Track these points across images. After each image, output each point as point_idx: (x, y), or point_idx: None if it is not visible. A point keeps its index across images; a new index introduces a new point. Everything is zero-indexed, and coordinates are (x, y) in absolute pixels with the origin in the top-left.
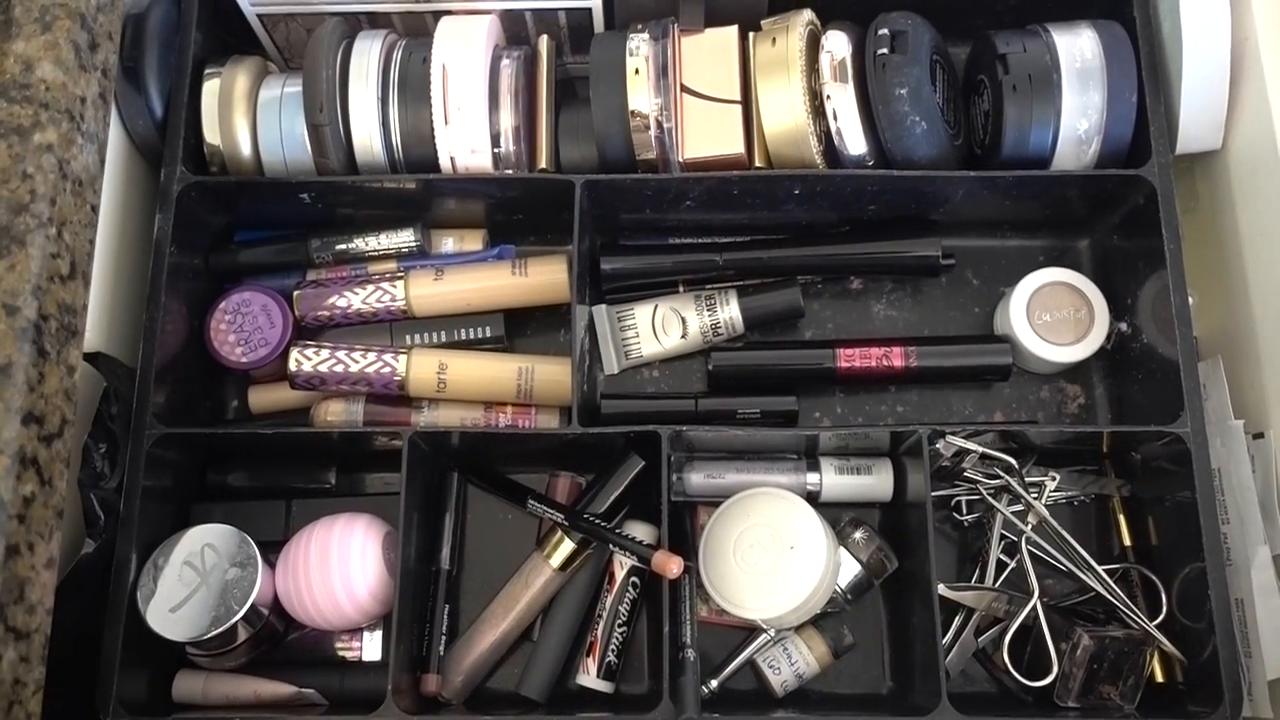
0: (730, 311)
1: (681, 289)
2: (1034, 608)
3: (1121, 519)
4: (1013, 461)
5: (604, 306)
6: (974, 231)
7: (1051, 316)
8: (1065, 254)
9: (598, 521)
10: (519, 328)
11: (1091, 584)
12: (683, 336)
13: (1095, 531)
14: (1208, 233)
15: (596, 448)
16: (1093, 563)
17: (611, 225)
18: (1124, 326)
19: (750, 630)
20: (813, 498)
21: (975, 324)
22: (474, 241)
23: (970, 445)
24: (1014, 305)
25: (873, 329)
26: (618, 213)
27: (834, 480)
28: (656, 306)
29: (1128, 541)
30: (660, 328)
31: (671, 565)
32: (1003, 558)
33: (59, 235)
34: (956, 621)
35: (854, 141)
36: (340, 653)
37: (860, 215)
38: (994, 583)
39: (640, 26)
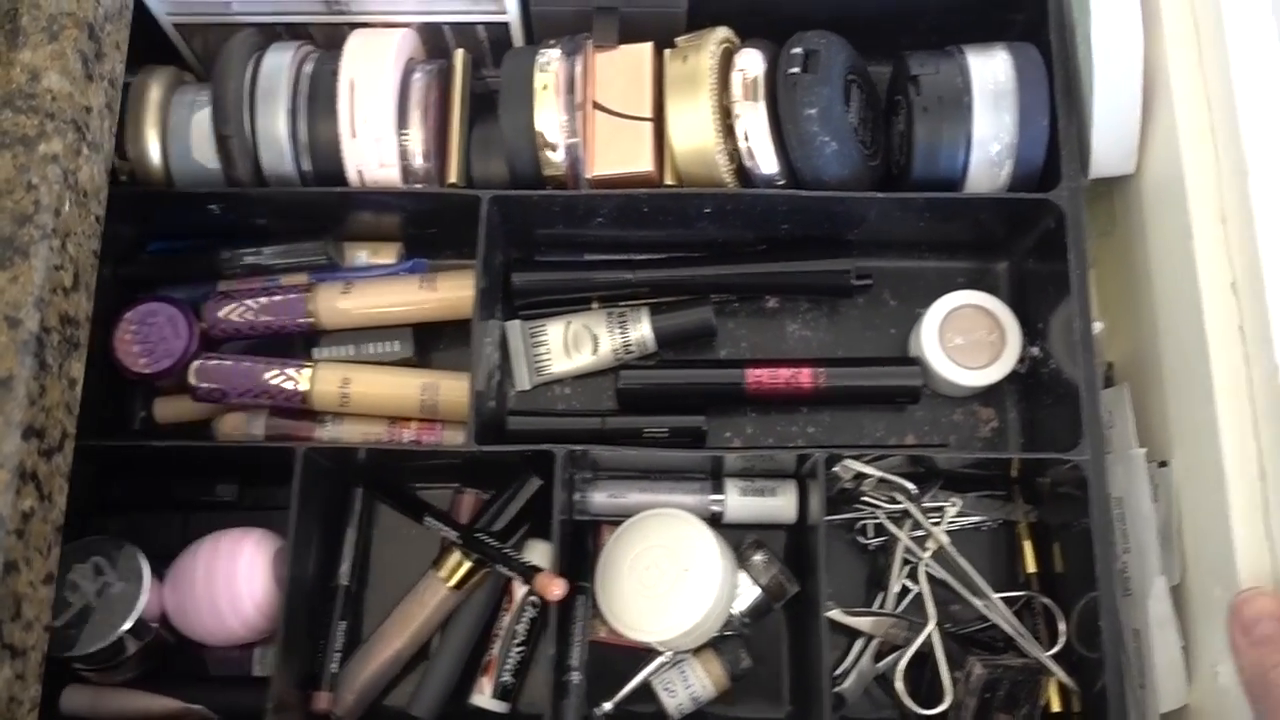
0: (642, 330)
1: (595, 306)
2: (929, 635)
3: (1027, 545)
4: (910, 487)
5: (517, 322)
6: (893, 252)
7: (964, 339)
8: (985, 276)
9: (488, 540)
10: (431, 342)
11: (985, 612)
12: (594, 354)
13: (1004, 557)
14: (1122, 258)
15: (500, 465)
16: (986, 590)
17: (528, 240)
18: (1036, 351)
19: (648, 652)
20: (717, 519)
21: (891, 345)
22: (389, 255)
23: (868, 469)
24: (925, 328)
25: (787, 349)
26: (533, 228)
27: (738, 501)
28: (569, 323)
29: (1032, 568)
30: (572, 345)
31: (553, 587)
32: (909, 583)
33: (63, 247)
34: (857, 647)
35: (765, 161)
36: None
37: (776, 234)
38: (896, 608)
39: (553, 42)
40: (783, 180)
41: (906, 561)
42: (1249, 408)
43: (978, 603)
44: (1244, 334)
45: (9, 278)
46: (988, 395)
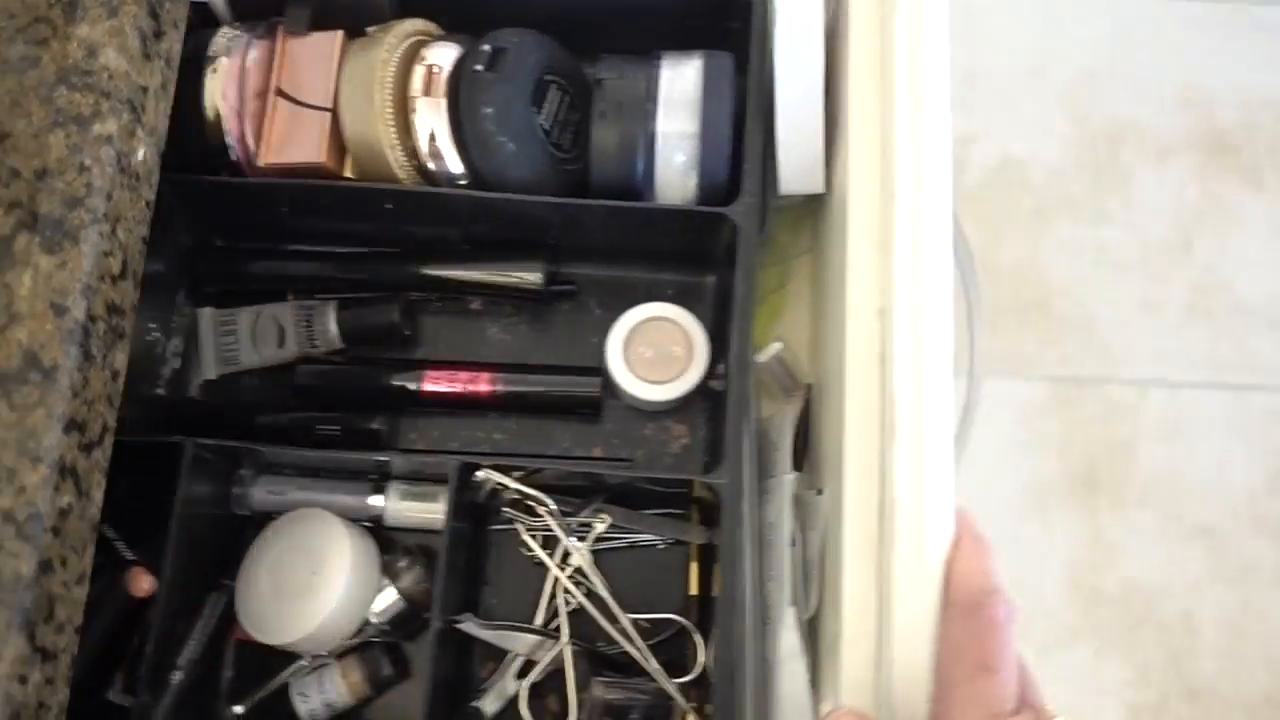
0: (328, 324)
1: (291, 298)
2: (559, 653)
3: (693, 567)
4: (549, 502)
5: (208, 310)
6: (604, 260)
7: (653, 352)
8: (694, 289)
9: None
10: None
11: (613, 633)
12: (280, 346)
13: (680, 579)
14: (817, 278)
15: (156, 454)
16: (617, 611)
17: (233, 226)
18: (723, 369)
19: (295, 655)
20: (377, 521)
21: (591, 354)
22: None
23: (505, 481)
24: (611, 338)
25: (486, 352)
26: (230, 214)
27: (398, 505)
28: (259, 314)
29: (694, 591)
30: (259, 336)
31: (140, 583)
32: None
33: (113, 232)
34: (506, 661)
35: (449, 158)
36: None
37: (475, 235)
38: (544, 624)
39: (239, 25)
40: (467, 180)
41: (574, 578)
42: (877, 439)
43: (604, 623)
44: (883, 363)
45: (57, 263)
46: (681, 411)
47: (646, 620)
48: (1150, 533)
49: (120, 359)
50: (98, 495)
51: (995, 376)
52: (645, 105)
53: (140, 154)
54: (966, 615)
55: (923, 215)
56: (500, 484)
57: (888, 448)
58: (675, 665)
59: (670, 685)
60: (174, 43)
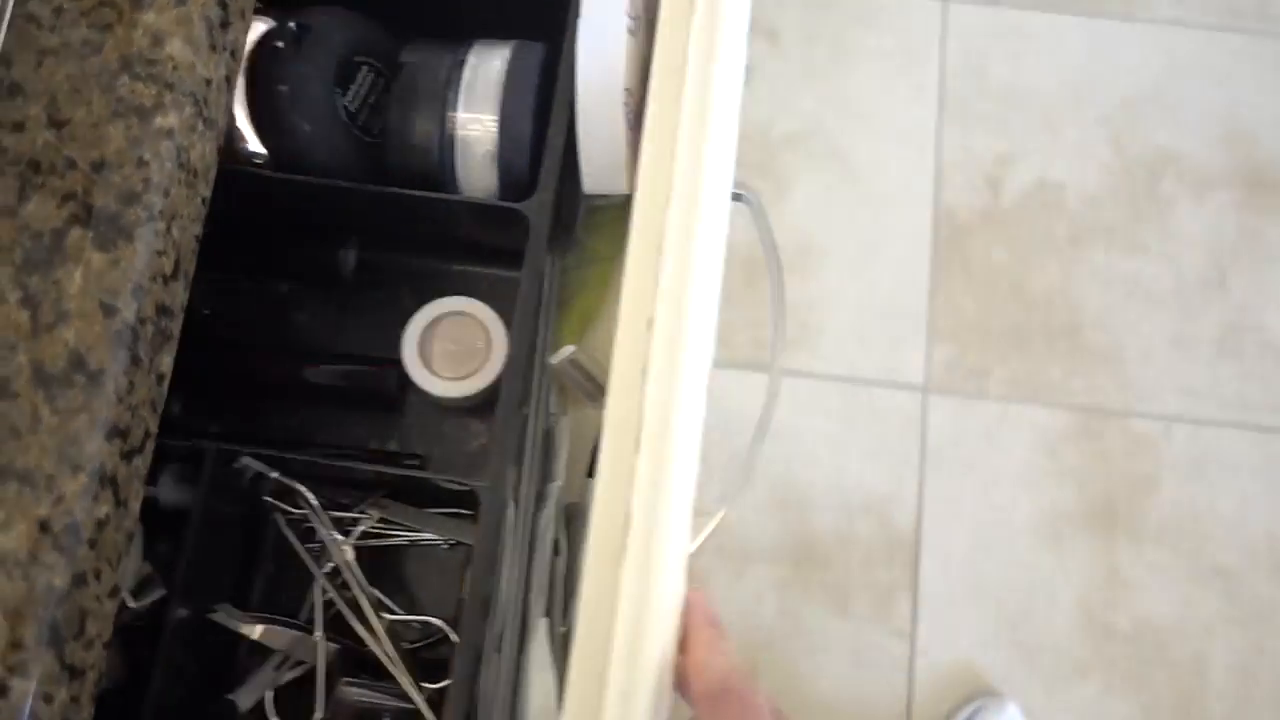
0: None
1: None
2: (313, 651)
3: (469, 571)
4: (309, 495)
5: None
6: (419, 250)
7: (456, 347)
8: (507, 285)
9: None
10: None
11: (361, 633)
12: None
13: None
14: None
15: None
16: (370, 615)
17: None
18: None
19: None
20: (152, 505)
21: (398, 346)
22: None
23: (265, 470)
24: (409, 332)
25: (290, 337)
26: None
27: (171, 490)
28: None
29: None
30: None
31: None
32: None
33: (168, 231)
34: (272, 656)
35: (250, 137)
36: None
37: (286, 217)
38: (310, 619)
39: None
40: (267, 160)
41: (337, 573)
42: (631, 451)
43: (355, 623)
44: (645, 374)
45: (109, 260)
46: (484, 409)
47: (418, 622)
48: (1166, 571)
49: (166, 362)
50: (135, 506)
51: (1018, 402)
52: (444, 93)
53: (199, 149)
54: (718, 702)
55: (694, 223)
56: (261, 473)
57: (633, 460)
58: (442, 670)
59: (413, 689)
60: (240, 34)
